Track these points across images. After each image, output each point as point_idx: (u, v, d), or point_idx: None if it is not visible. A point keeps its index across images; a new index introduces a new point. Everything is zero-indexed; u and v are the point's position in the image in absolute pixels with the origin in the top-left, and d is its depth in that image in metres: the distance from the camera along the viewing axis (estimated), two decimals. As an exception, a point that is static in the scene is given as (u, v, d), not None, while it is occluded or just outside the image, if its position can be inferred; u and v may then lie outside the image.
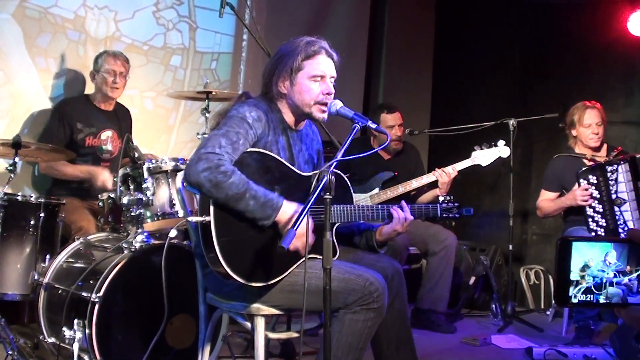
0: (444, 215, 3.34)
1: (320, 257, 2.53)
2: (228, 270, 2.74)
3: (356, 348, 2.83)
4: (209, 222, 2.75)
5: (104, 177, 4.47)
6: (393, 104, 5.58)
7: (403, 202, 3.15)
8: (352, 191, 3.18)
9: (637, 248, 1.09)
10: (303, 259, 2.82)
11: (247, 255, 2.79)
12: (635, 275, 1.12)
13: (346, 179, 3.16)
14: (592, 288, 1.08)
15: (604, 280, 1.10)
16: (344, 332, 2.81)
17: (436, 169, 5.07)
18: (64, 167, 4.60)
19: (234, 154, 2.78)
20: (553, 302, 5.80)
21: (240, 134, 2.82)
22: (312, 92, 2.97)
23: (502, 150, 5.07)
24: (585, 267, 1.08)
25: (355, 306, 2.80)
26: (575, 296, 1.08)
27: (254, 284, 2.80)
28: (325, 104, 2.99)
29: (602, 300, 1.09)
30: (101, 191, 4.25)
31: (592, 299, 1.08)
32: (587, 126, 4.91)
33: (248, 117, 2.88)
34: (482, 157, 5.05)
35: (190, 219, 2.96)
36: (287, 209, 2.78)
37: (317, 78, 2.98)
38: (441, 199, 3.36)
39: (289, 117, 3.08)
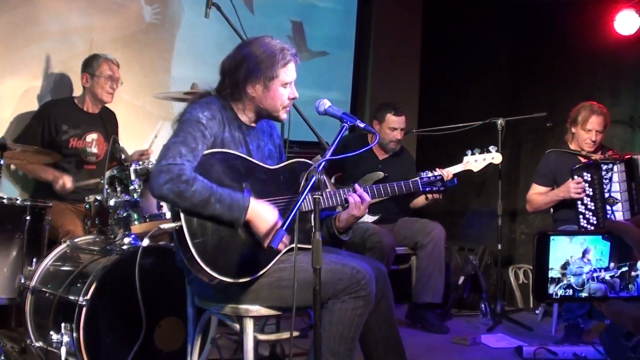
0: (427, 188, 3.31)
1: (304, 246, 2.59)
2: (208, 270, 2.71)
3: (347, 337, 2.82)
4: (181, 226, 2.72)
5: (62, 182, 4.47)
6: (401, 108, 5.49)
7: (357, 185, 3.12)
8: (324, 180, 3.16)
9: (620, 244, 1.07)
10: (284, 250, 2.86)
11: (224, 253, 2.77)
12: (618, 272, 1.10)
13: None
14: (573, 285, 1.07)
15: (585, 277, 1.09)
16: (334, 322, 2.81)
17: (437, 169, 5.03)
18: (33, 166, 4.58)
19: (194, 161, 2.79)
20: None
21: (197, 138, 2.82)
22: (283, 98, 3.02)
23: (494, 156, 5.00)
24: (566, 265, 1.07)
25: (344, 295, 2.80)
26: (555, 293, 1.06)
27: (238, 280, 2.78)
28: (288, 106, 3.08)
29: (583, 295, 1.07)
30: (87, 193, 4.21)
31: (572, 293, 1.06)
32: (588, 131, 4.88)
33: (202, 117, 2.88)
34: (474, 162, 4.97)
35: (162, 226, 2.93)
36: (257, 207, 2.78)
37: (287, 85, 3.03)
38: (422, 174, 3.32)
39: (246, 117, 3.08)
